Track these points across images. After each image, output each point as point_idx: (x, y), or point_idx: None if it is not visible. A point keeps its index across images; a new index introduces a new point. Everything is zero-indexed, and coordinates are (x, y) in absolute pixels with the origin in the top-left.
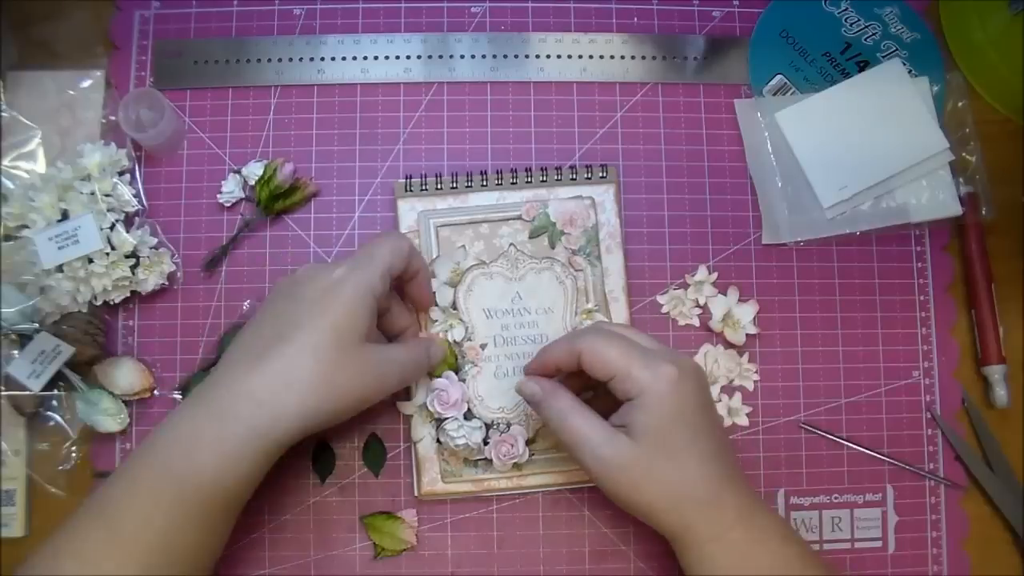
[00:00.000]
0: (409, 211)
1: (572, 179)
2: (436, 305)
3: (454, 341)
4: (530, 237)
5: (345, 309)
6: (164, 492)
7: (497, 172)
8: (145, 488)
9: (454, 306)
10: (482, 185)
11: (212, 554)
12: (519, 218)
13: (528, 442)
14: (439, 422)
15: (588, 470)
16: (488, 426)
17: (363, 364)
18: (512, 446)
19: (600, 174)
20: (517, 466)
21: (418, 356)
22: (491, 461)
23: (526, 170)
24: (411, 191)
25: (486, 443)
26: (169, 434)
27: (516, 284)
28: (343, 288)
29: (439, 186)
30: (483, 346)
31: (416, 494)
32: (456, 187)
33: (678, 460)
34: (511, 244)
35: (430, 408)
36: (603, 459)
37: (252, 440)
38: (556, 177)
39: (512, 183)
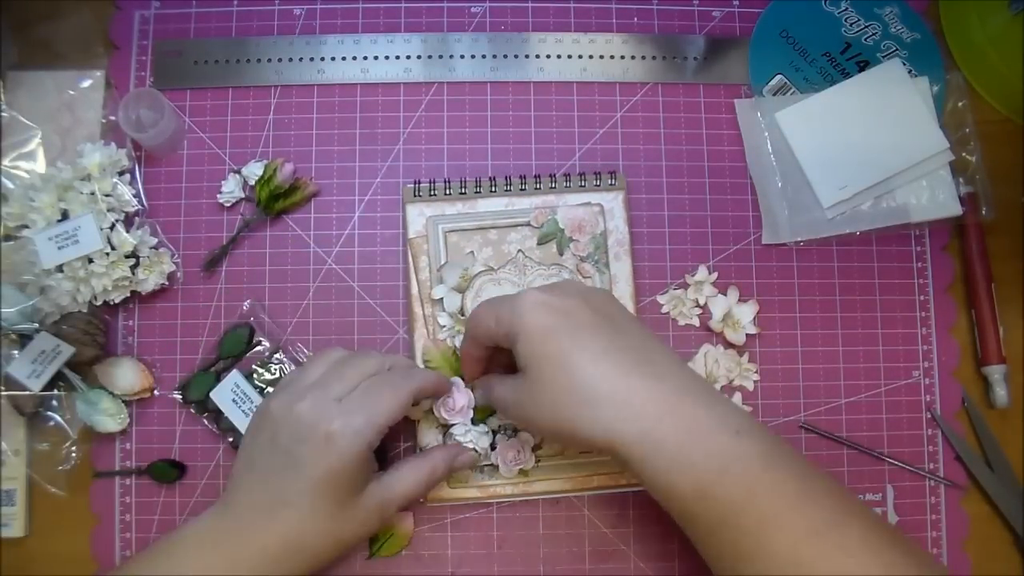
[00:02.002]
0: (418, 216)
1: (581, 185)
2: (444, 310)
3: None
4: (538, 243)
5: (342, 466)
6: None
7: (506, 178)
8: None
9: (462, 312)
10: (491, 191)
11: None
12: (528, 224)
13: (534, 448)
14: (446, 428)
15: (519, 423)
16: (495, 432)
17: (365, 512)
18: (519, 452)
19: (609, 181)
20: (523, 472)
21: (430, 472)
22: (497, 467)
23: (535, 176)
24: (419, 196)
25: (493, 449)
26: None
27: None
28: (338, 444)
29: (448, 191)
30: None
31: (422, 500)
32: (465, 192)
33: (567, 368)
34: (519, 250)
35: (436, 414)
36: (511, 403)
37: None
38: (565, 183)
39: (521, 189)
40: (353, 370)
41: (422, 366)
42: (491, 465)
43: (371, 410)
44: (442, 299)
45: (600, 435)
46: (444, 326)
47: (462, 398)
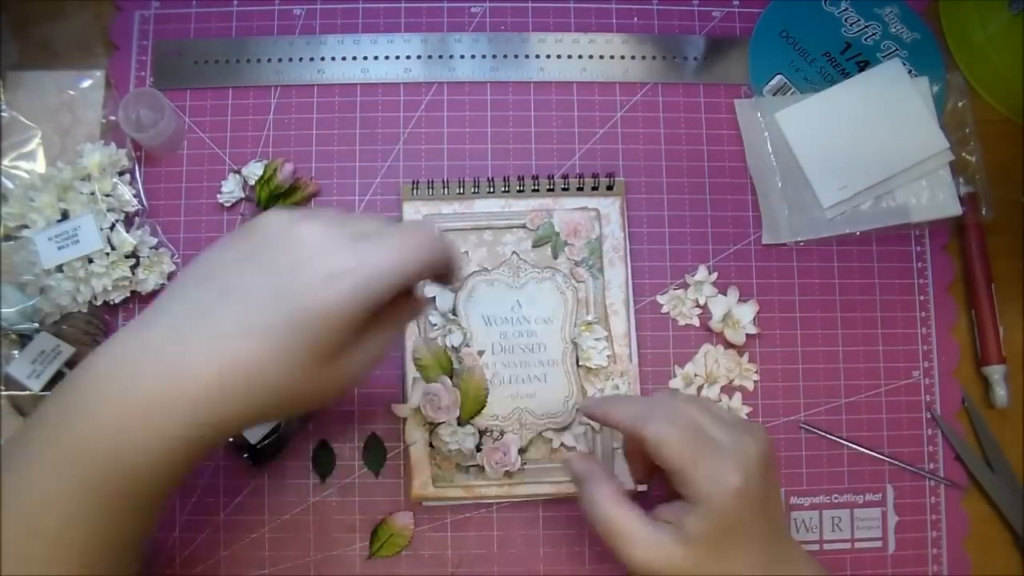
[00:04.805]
0: (414, 214)
1: (579, 189)
2: (436, 309)
3: (452, 347)
4: (533, 246)
5: (340, 313)
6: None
7: (503, 179)
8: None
9: (454, 311)
10: (488, 192)
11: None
12: (523, 226)
13: (520, 451)
14: (432, 426)
15: (626, 565)
16: (482, 433)
17: (340, 372)
18: (504, 454)
19: (607, 185)
20: (508, 474)
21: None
22: (483, 468)
23: (533, 178)
24: (417, 194)
25: (479, 450)
26: (90, 424)
27: (517, 292)
28: (343, 285)
29: (445, 191)
30: (480, 353)
31: (407, 496)
32: (462, 192)
33: (728, 564)
34: (514, 252)
35: (423, 412)
36: (641, 561)
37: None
38: (563, 187)
39: (518, 191)
40: (371, 220)
41: (412, 365)
42: (477, 466)
43: (391, 258)
44: (434, 298)
45: None
46: (435, 325)
47: (448, 397)
